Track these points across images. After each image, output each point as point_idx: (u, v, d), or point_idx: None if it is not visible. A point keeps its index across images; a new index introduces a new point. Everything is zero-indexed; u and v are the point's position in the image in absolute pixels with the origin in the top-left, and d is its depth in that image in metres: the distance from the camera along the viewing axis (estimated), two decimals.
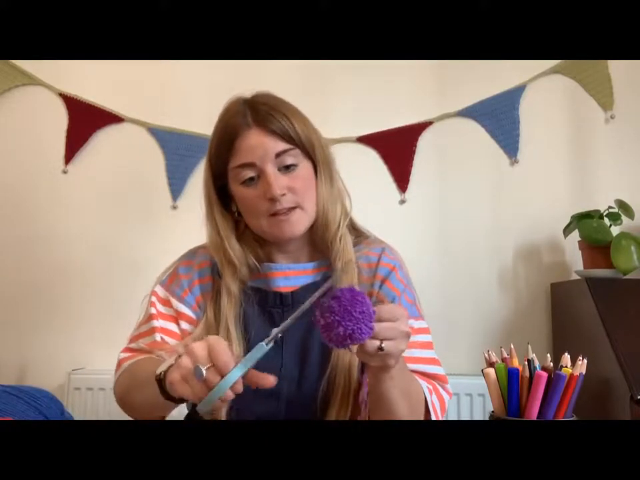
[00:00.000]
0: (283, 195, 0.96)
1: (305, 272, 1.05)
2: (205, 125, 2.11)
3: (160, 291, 1.08)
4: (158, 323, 1.04)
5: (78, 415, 1.82)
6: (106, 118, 2.05)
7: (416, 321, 1.02)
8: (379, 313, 0.74)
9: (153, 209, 2.04)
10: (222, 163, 1.01)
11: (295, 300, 1.02)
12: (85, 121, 2.05)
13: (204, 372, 0.71)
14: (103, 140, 2.06)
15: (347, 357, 0.97)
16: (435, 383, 1.01)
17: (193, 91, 2.08)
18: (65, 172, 2.04)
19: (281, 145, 0.97)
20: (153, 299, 1.07)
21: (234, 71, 2.02)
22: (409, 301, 1.04)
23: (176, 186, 2.03)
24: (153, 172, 2.05)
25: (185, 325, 1.05)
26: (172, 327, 1.05)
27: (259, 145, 0.96)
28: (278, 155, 0.97)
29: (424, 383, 0.98)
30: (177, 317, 1.05)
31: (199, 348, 0.74)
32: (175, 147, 2.04)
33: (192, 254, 1.11)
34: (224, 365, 0.71)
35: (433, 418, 0.95)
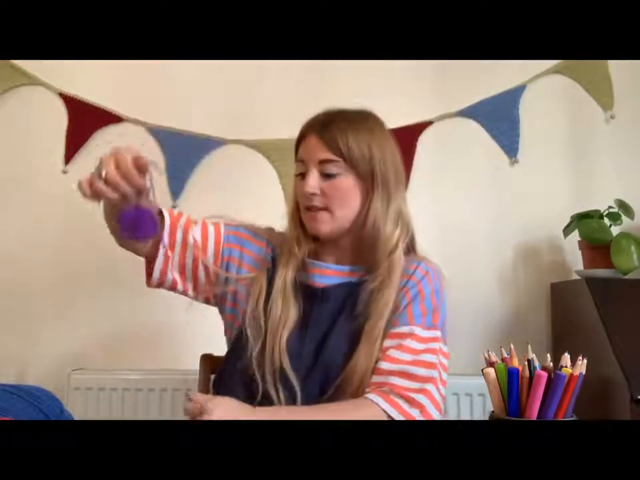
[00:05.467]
0: (314, 194, 1.09)
1: (341, 273, 1.14)
2: (205, 125, 2.14)
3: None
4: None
5: (78, 415, 1.82)
6: (106, 118, 2.05)
7: (423, 330, 1.07)
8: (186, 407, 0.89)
9: None
10: (296, 154, 1.18)
11: (325, 296, 1.11)
12: (85, 120, 2.04)
13: (103, 172, 0.90)
14: (103, 140, 2.06)
15: (364, 364, 1.03)
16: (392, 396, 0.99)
17: (192, 91, 2.08)
18: (64, 172, 2.04)
19: (327, 154, 1.09)
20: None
21: (234, 71, 2.03)
22: (422, 309, 1.09)
23: (176, 186, 2.03)
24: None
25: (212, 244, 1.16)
26: (211, 230, 1.18)
27: (310, 149, 1.11)
28: (321, 162, 1.10)
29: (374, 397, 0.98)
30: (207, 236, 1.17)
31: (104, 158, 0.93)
32: (175, 147, 2.04)
33: (254, 232, 1.22)
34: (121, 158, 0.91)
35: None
